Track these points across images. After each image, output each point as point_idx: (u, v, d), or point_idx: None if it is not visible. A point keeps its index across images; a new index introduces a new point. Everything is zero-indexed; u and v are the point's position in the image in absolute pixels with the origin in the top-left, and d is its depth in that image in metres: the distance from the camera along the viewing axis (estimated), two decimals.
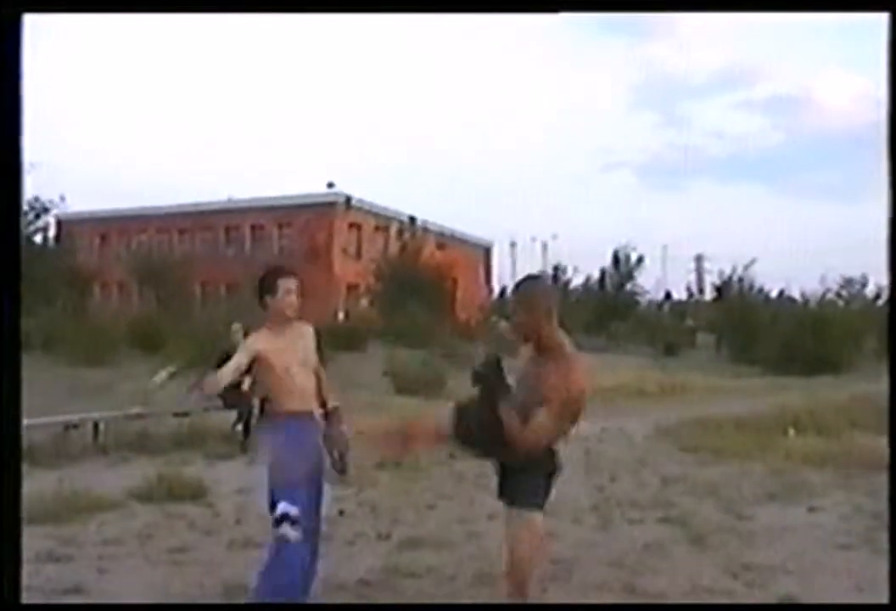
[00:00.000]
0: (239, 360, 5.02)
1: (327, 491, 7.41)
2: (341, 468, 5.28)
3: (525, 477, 4.46)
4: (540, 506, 4.50)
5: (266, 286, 5.10)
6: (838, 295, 43.15)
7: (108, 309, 44.01)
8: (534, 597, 5.57)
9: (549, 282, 5.03)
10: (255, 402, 12.27)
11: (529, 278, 4.55)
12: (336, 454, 5.22)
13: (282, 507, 4.83)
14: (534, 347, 4.34)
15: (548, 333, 4.27)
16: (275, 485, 4.96)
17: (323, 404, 5.33)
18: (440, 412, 4.53)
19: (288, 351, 5.06)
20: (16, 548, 2.73)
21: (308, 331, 5.30)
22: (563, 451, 11.86)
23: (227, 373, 4.96)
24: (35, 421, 11.07)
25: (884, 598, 4.93)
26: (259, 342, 5.07)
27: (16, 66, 2.82)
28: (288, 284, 5.09)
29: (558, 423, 4.23)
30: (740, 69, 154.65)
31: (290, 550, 4.82)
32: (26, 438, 10.71)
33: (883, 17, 3.29)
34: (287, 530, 4.81)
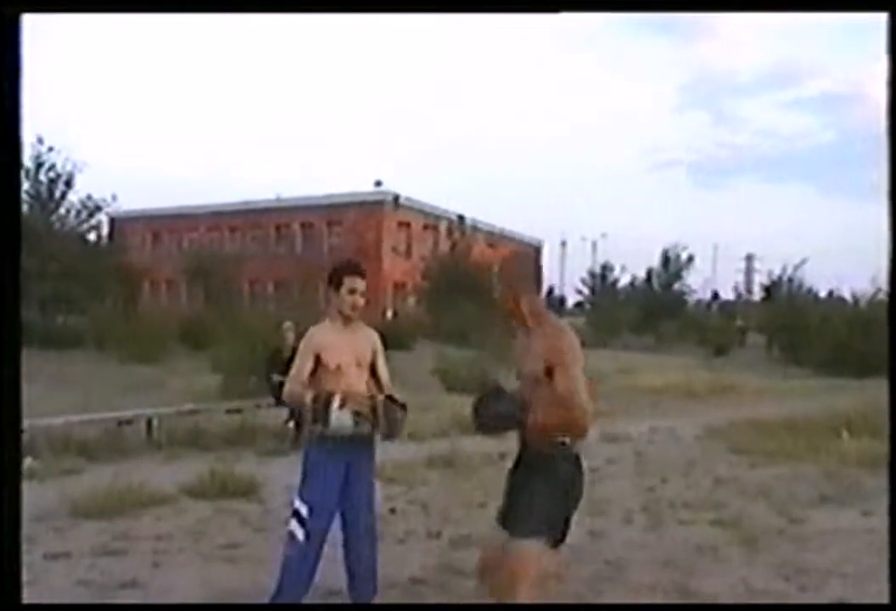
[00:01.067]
0: (307, 362, 5.02)
1: (378, 490, 7.42)
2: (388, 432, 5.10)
3: (526, 498, 4.16)
4: (539, 532, 4.00)
5: (331, 279, 5.12)
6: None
7: (159, 307, 44.48)
8: (588, 598, 5.58)
9: (530, 253, 4.84)
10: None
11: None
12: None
13: (296, 503, 4.92)
14: (517, 322, 4.13)
15: (526, 302, 4.06)
16: (301, 480, 4.99)
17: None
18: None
19: (343, 349, 5.04)
20: (16, 548, 2.76)
21: (371, 334, 5.28)
22: (613, 450, 11.81)
23: (297, 380, 4.98)
24: (89, 417, 11.22)
25: None
26: (316, 337, 5.07)
27: (16, 66, 2.85)
28: (353, 283, 5.07)
29: (579, 380, 3.87)
30: (790, 67, 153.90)
31: (293, 548, 4.90)
32: (81, 434, 10.86)
33: (883, 17, 3.27)
34: (294, 527, 4.88)
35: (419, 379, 20.44)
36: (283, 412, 12.30)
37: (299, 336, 13.55)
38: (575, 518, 4.21)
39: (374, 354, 5.25)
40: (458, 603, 5.45)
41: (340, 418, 4.75)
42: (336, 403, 4.75)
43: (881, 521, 7.78)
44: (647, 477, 9.81)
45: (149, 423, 11.57)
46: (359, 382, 5.10)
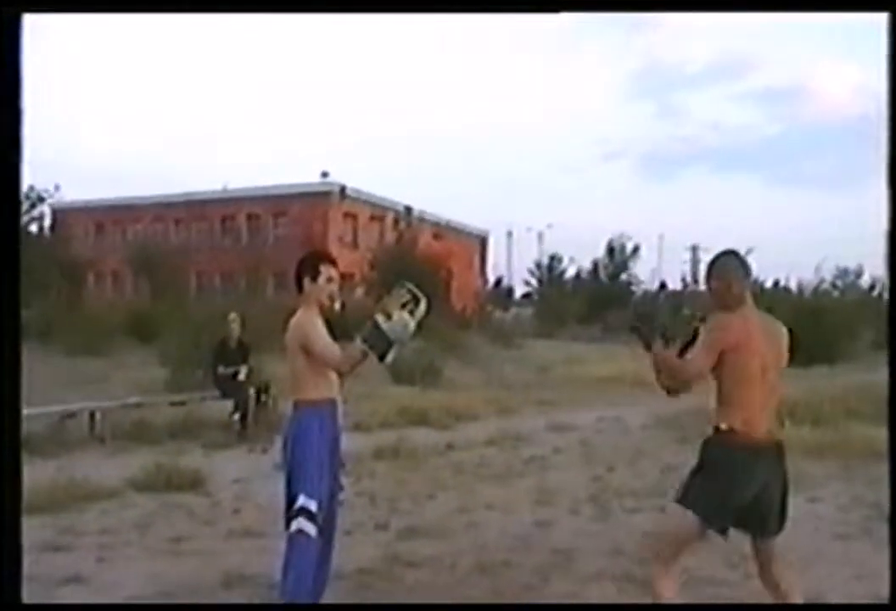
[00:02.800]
0: (327, 340, 4.92)
1: None
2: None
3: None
4: (682, 500, 4.34)
5: (306, 269, 5.02)
6: (833, 285, 43.10)
7: (103, 299, 43.98)
8: (535, 586, 5.59)
9: (739, 258, 5.08)
10: (252, 391, 12.29)
11: (724, 253, 4.54)
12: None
13: (301, 500, 4.75)
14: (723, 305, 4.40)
15: (732, 299, 4.35)
16: (296, 476, 4.84)
17: None
18: None
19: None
20: (16, 548, 2.72)
21: None
22: (560, 440, 11.81)
23: (334, 350, 4.88)
24: (32, 411, 11.04)
25: (881, 587, 4.94)
26: (320, 324, 4.99)
27: (16, 66, 2.80)
28: (330, 272, 5.03)
29: (705, 356, 4.29)
30: (736, 60, 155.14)
31: (305, 544, 4.75)
32: (23, 428, 10.70)
33: (883, 18, 3.28)
34: (304, 524, 4.74)
35: (367, 370, 20.37)
36: (229, 405, 12.22)
37: (244, 327, 13.42)
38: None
39: None
40: (458, 603, 5.43)
41: (396, 327, 4.64)
42: (381, 318, 4.67)
43: (826, 508, 7.89)
44: (593, 466, 9.85)
45: (92, 416, 11.43)
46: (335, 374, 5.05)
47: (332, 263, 5.11)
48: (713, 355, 4.25)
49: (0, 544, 2.65)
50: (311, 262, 5.07)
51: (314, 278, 5.00)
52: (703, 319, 4.44)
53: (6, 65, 2.79)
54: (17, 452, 2.74)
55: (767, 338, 4.29)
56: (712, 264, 4.51)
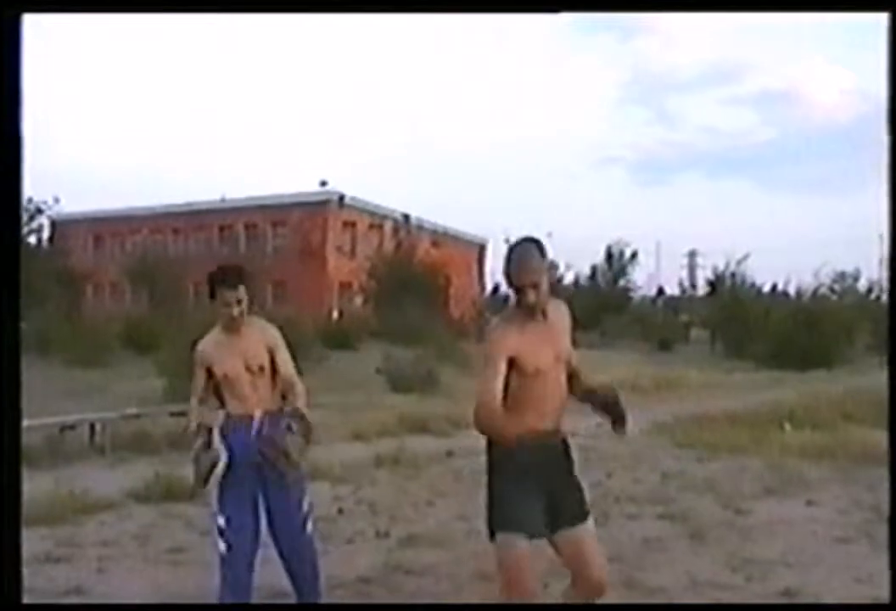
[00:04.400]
0: (198, 377, 4.96)
1: (325, 490, 7.40)
2: (278, 473, 4.89)
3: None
4: (505, 524, 3.93)
5: (210, 288, 4.83)
6: (831, 289, 43.19)
7: (102, 310, 43.98)
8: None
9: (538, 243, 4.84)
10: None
11: (525, 241, 4.18)
12: (268, 456, 4.83)
13: (218, 519, 4.83)
14: (533, 314, 4.06)
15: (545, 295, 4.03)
16: (218, 494, 4.90)
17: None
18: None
19: (231, 357, 4.84)
20: (16, 548, 2.72)
21: (265, 332, 4.95)
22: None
23: (195, 396, 5.00)
24: (31, 422, 11.05)
25: (882, 590, 4.94)
26: (200, 352, 4.96)
27: (16, 66, 2.81)
28: (226, 297, 4.73)
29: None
30: (729, 65, 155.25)
31: (221, 561, 4.79)
32: (23, 440, 10.70)
33: (883, 18, 3.28)
34: (217, 539, 4.80)
35: (366, 379, 20.41)
36: None
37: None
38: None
39: (272, 352, 4.91)
40: (457, 603, 5.44)
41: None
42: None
43: (824, 511, 7.89)
44: (592, 472, 9.83)
45: (92, 428, 11.43)
46: (255, 386, 4.90)
47: (234, 285, 4.80)
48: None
49: (0, 545, 2.66)
50: (210, 282, 4.83)
51: (212, 299, 4.83)
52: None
53: (6, 65, 2.79)
54: (18, 452, 2.75)
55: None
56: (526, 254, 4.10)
